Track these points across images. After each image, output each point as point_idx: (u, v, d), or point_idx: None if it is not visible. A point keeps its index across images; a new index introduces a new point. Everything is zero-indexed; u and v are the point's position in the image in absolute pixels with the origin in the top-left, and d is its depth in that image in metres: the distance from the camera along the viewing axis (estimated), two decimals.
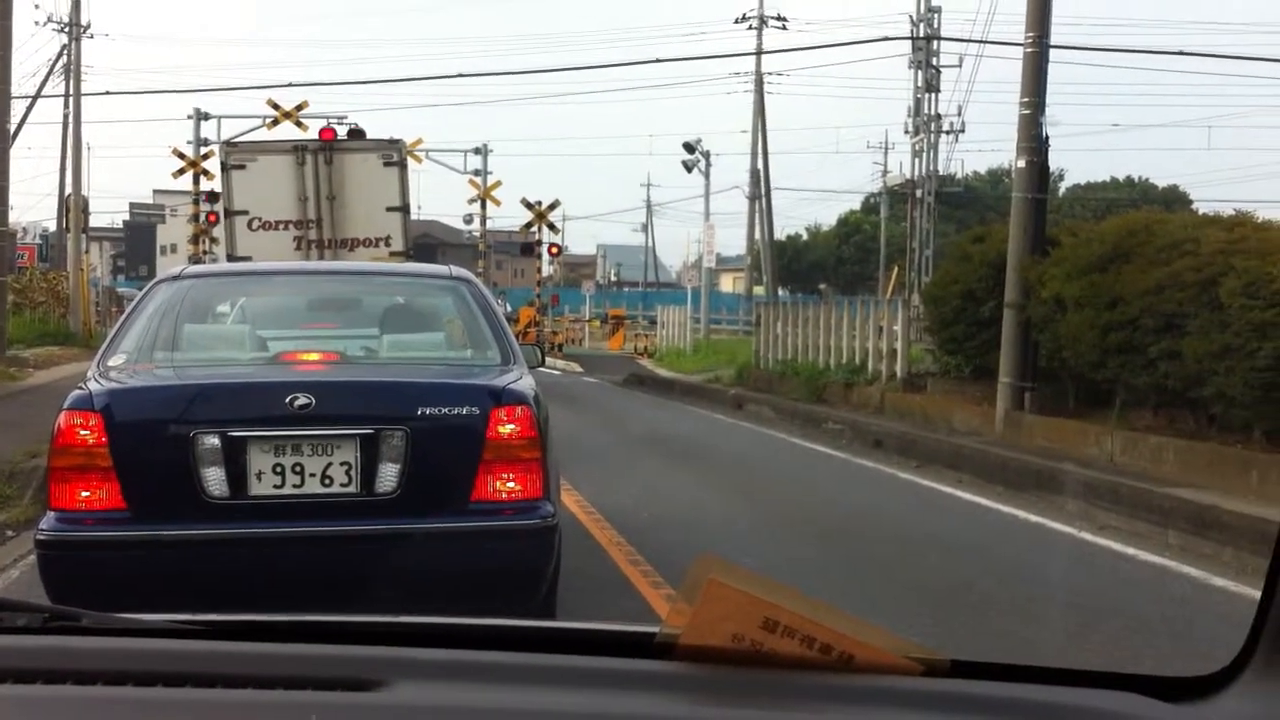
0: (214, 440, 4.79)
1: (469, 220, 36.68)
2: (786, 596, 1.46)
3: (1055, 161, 39.32)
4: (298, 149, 18.68)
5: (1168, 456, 10.94)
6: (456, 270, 6.65)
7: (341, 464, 4.87)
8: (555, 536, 5.13)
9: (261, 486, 4.83)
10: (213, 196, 25.45)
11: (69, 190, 34.79)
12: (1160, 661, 5.70)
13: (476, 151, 33.66)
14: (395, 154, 18.77)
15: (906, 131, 36.71)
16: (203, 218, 27.86)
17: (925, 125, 35.78)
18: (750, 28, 41.06)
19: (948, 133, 36.35)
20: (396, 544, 4.95)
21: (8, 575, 7.11)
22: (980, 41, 31.01)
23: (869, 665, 1.46)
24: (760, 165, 40.48)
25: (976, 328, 15.23)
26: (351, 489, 4.87)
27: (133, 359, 5.51)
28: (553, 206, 32.69)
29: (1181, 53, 33.10)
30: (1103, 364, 12.16)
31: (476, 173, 32.98)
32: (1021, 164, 14.23)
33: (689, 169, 44.50)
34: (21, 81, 36.04)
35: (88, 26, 36.33)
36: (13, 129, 23.21)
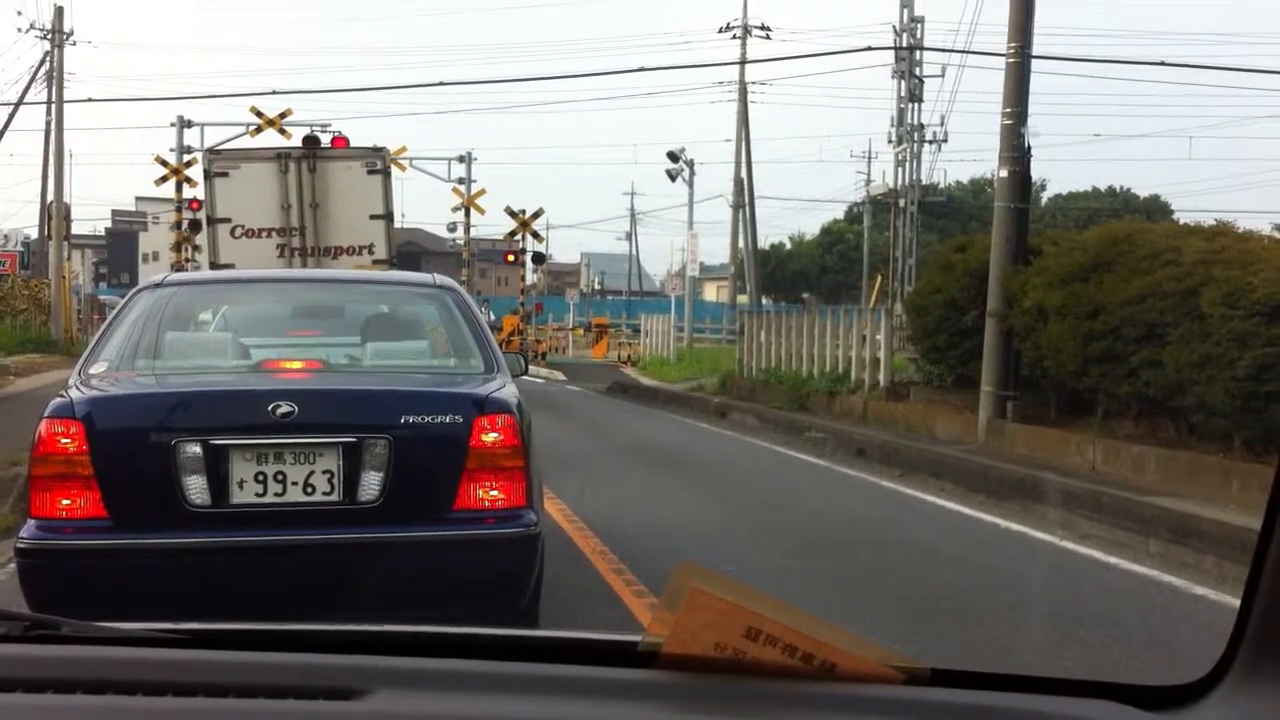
0: (196, 448, 4.77)
1: (453, 228, 36.72)
2: (768, 605, 1.47)
3: (1037, 171, 39.55)
4: (281, 156, 18.64)
5: (1149, 465, 10.98)
6: (440, 278, 6.64)
7: (324, 472, 4.85)
8: (538, 545, 5.12)
9: (243, 495, 4.81)
10: (195, 204, 25.39)
11: (51, 197, 34.71)
12: (1140, 670, 5.72)
13: (460, 159, 33.67)
14: (379, 162, 18.74)
15: (890, 141, 36.84)
16: (185, 225, 27.78)
17: (908, 135, 35.88)
18: (734, 37, 41.16)
19: (931, 142, 36.48)
20: (379, 552, 4.94)
21: None
22: (963, 52, 31.19)
23: (850, 674, 1.46)
24: (744, 174, 40.57)
25: (959, 337, 15.28)
26: (334, 497, 4.86)
27: (114, 367, 5.49)
28: (536, 215, 32.66)
29: (1163, 63, 33.28)
30: (1084, 373, 12.20)
31: (460, 181, 32.99)
32: (1004, 174, 14.29)
33: (673, 178, 44.57)
34: (3, 88, 35.96)
35: (70, 33, 36.25)
36: None
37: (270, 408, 4.84)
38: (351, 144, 19.51)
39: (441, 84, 35.54)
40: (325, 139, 19.99)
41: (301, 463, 4.84)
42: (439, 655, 1.58)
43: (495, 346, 5.96)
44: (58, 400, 4.95)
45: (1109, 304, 11.58)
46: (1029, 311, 13.08)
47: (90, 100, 39.29)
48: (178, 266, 26.61)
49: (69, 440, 4.77)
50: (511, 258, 34.15)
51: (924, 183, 36.98)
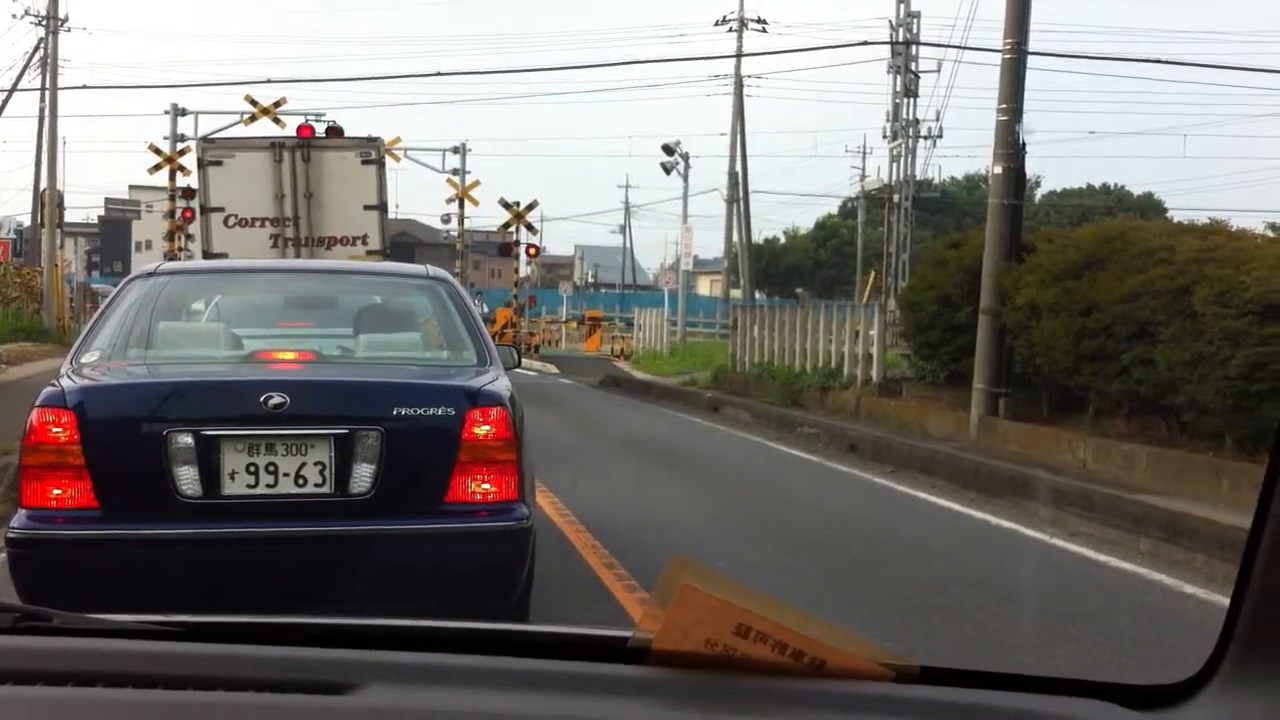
0: (187, 439, 4.77)
1: (447, 220, 36.65)
2: (759, 602, 1.47)
3: (1032, 168, 39.51)
4: (275, 146, 18.62)
5: (1140, 463, 11.00)
6: (433, 270, 6.63)
7: (315, 464, 4.85)
8: (530, 539, 5.12)
9: (235, 486, 4.80)
10: (189, 193, 25.34)
11: (44, 185, 34.60)
12: (1130, 668, 5.73)
13: (455, 151, 33.68)
14: (373, 152, 18.72)
15: (885, 136, 36.81)
16: (178, 214, 27.74)
17: (903, 130, 35.88)
18: (730, 30, 41.11)
19: (925, 138, 36.46)
20: (370, 545, 4.94)
21: None
22: (959, 47, 31.15)
23: (840, 671, 1.47)
24: (739, 168, 40.56)
25: (952, 333, 15.29)
26: (325, 489, 4.85)
27: (106, 356, 5.48)
28: (531, 207, 32.66)
29: (1159, 61, 33.44)
30: (1076, 370, 12.22)
31: (455, 172, 32.98)
32: (998, 170, 14.31)
33: (668, 171, 44.49)
34: None
35: (65, 20, 36.11)
36: None
37: (262, 399, 4.83)
38: (346, 134, 19.51)
39: (438, 74, 35.63)
40: (320, 128, 19.98)
41: (293, 454, 4.84)
42: (430, 649, 1.58)
43: (488, 339, 5.95)
44: (49, 389, 4.94)
45: (1102, 302, 11.60)
46: (1022, 308, 13.10)
47: (84, 87, 39.39)
48: (171, 255, 26.56)
49: (60, 430, 4.76)
50: (505, 249, 34.13)
51: (919, 178, 36.98)
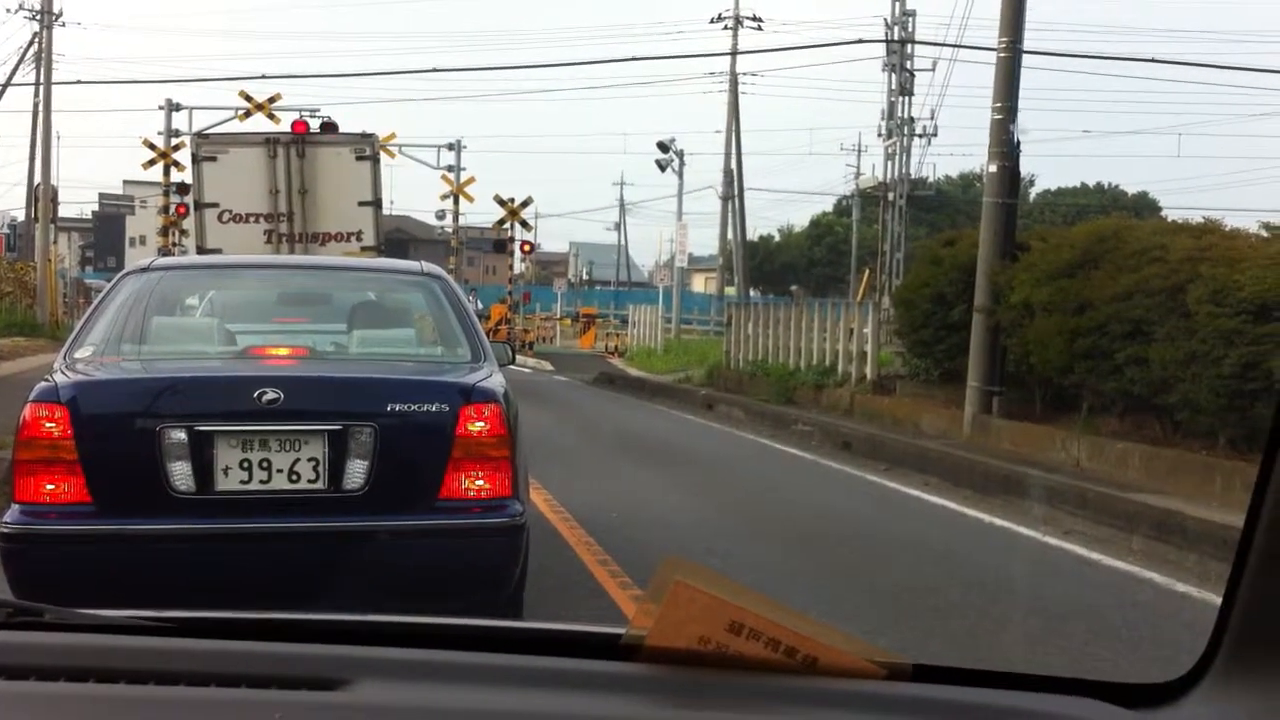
0: (181, 434, 4.76)
1: (441, 216, 36.64)
2: (752, 599, 1.47)
3: (1026, 167, 39.48)
4: (270, 142, 18.61)
5: (1133, 462, 11.01)
6: (428, 266, 6.63)
7: (309, 460, 4.85)
8: (523, 535, 5.12)
9: (228, 481, 4.80)
10: (183, 188, 25.32)
11: (38, 180, 34.52)
12: (1122, 667, 5.74)
13: (450, 147, 33.70)
14: (368, 148, 18.72)
15: (880, 134, 36.81)
16: (172, 209, 27.71)
17: (898, 128, 35.88)
18: (726, 28, 41.10)
19: (920, 136, 36.46)
20: (363, 541, 4.94)
21: None
22: (954, 46, 31.24)
23: (832, 668, 1.47)
24: (734, 165, 40.55)
25: (946, 331, 15.31)
26: (319, 485, 4.85)
27: (100, 351, 5.47)
28: (525, 203, 32.65)
29: (1153, 60, 33.45)
30: (1070, 369, 12.23)
31: (450, 168, 33.01)
32: (993, 169, 14.31)
33: (663, 168, 44.55)
34: None
35: (60, 14, 36.06)
36: None
37: (256, 394, 4.83)
38: (341, 130, 19.49)
39: (434, 70, 35.55)
40: (315, 124, 19.96)
41: (287, 450, 4.84)
42: (422, 646, 1.58)
43: (482, 335, 5.95)
44: (43, 384, 4.94)
45: (1096, 300, 11.61)
46: (1016, 307, 13.11)
47: (79, 82, 39.04)
48: (165, 251, 26.53)
49: (53, 425, 4.75)
50: (500, 246, 34.13)
51: (913, 176, 36.99)
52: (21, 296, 34.03)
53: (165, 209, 28.75)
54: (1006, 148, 14.11)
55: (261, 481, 4.82)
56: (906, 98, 35.66)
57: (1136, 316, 11.07)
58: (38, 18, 35.66)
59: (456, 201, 31.86)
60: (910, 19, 35.49)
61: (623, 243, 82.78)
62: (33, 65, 36.16)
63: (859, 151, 53.72)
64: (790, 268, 70.19)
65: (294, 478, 4.84)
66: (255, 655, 1.55)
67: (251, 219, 18.19)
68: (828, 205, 71.07)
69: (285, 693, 1.45)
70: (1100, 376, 11.76)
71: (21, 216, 46.86)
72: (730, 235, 42.00)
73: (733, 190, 40.55)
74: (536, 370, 29.17)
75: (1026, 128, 14.14)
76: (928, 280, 15.89)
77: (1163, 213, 51.76)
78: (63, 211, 40.71)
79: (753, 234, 57.31)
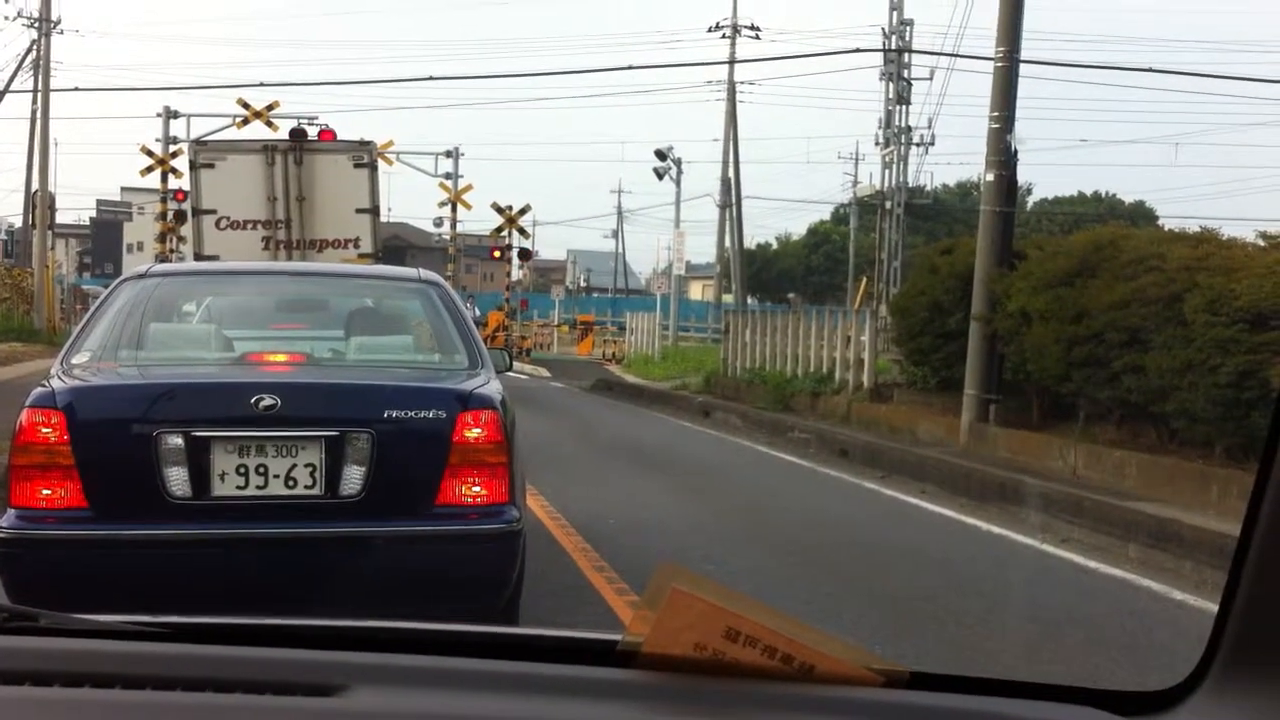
0: (177, 440, 4.76)
1: (439, 223, 36.70)
2: (749, 606, 1.47)
3: (1023, 175, 39.55)
4: (267, 149, 18.62)
5: (1130, 470, 11.02)
6: (425, 273, 6.62)
7: (306, 465, 4.84)
8: (520, 541, 5.12)
9: (225, 487, 4.80)
10: (181, 195, 25.33)
11: (35, 186, 34.53)
12: (1120, 675, 5.74)
13: (447, 154, 33.69)
14: (365, 155, 18.73)
15: (877, 143, 36.88)
16: (170, 216, 27.71)
17: (896, 137, 35.93)
18: (724, 36, 41.14)
19: (918, 145, 36.54)
20: (360, 547, 4.93)
21: None
22: (951, 55, 31.19)
23: (829, 676, 1.47)
24: (731, 173, 40.58)
25: (943, 339, 15.31)
26: (316, 491, 4.84)
27: (97, 357, 5.47)
28: (523, 211, 32.65)
29: (1150, 69, 33.31)
30: (1067, 377, 12.24)
31: (447, 176, 32.99)
32: (990, 177, 14.33)
33: (660, 176, 44.60)
34: None
35: (58, 22, 36.10)
36: None
37: (253, 400, 4.83)
38: (339, 137, 19.51)
39: (430, 78, 35.61)
40: (312, 132, 20.00)
41: (283, 456, 4.83)
42: (419, 652, 1.58)
43: (480, 342, 5.95)
44: (39, 390, 4.93)
45: (1093, 309, 11.62)
46: (1013, 315, 13.12)
47: (76, 90, 39.17)
48: (162, 257, 26.52)
49: (50, 430, 4.75)
50: (497, 253, 34.15)
51: (911, 185, 37.09)
52: (19, 302, 34.02)
53: (163, 215, 28.75)
54: (1004, 156, 14.13)
55: (258, 487, 4.81)
56: (904, 106, 35.73)
57: (1133, 325, 11.08)
58: (36, 25, 35.69)
59: (454, 209, 31.85)
60: (908, 28, 35.56)
61: (620, 250, 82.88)
62: (31, 72, 36.21)
63: (856, 160, 53.74)
64: (788, 275, 70.23)
65: (291, 483, 4.83)
66: (252, 661, 1.55)
67: (249, 226, 18.19)
68: (825, 213, 71.12)
69: (282, 698, 1.45)
70: (1097, 385, 11.77)
71: (19, 223, 46.88)
72: (728, 243, 42.03)
73: (730, 198, 40.59)
74: (534, 377, 29.17)
75: (1024, 136, 14.16)
76: (925, 288, 15.90)
77: (1159, 222, 51.80)
78: (60, 218, 40.67)
79: (750, 242, 57.39)
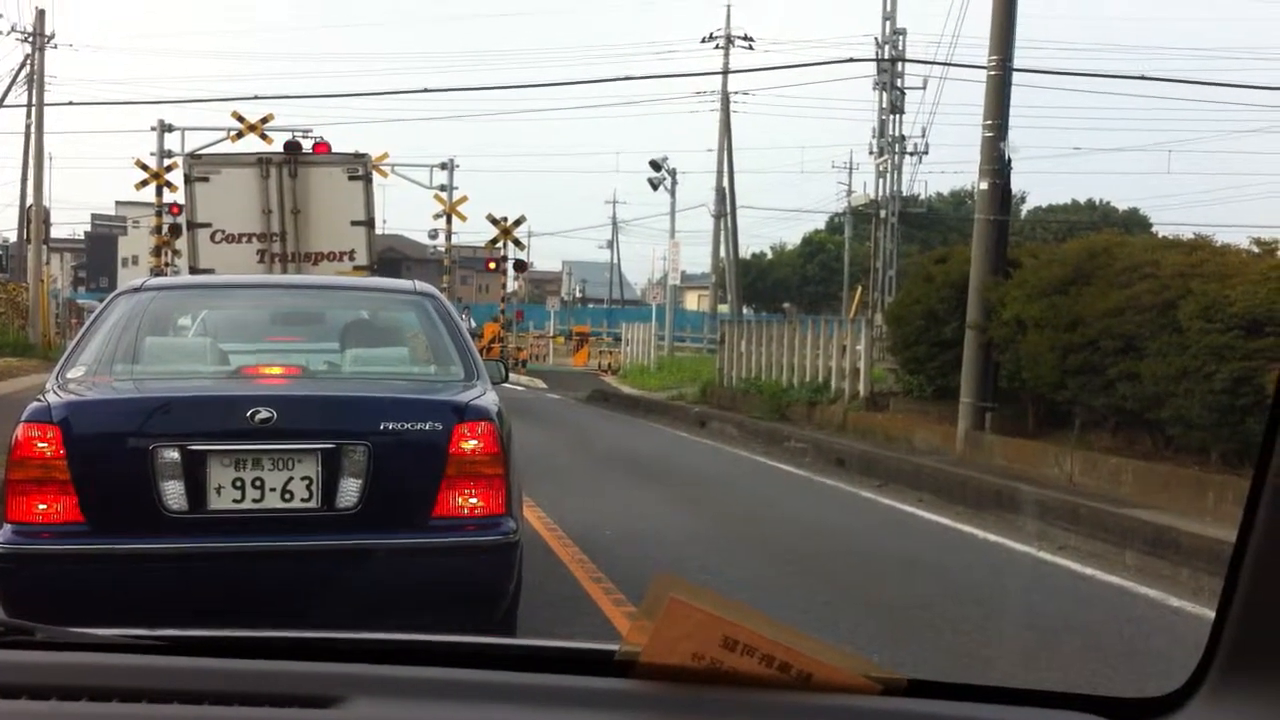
0: (173, 454, 4.75)
1: (434, 235, 36.65)
2: (746, 615, 1.47)
3: (1017, 184, 39.64)
4: (262, 162, 18.61)
5: (1126, 477, 11.02)
6: (420, 285, 6.63)
7: (302, 478, 4.84)
8: (517, 553, 5.12)
9: (221, 500, 4.79)
10: (176, 208, 25.33)
11: (30, 201, 34.51)
12: (1117, 681, 5.74)
13: (442, 166, 33.70)
14: (360, 168, 18.72)
15: (871, 152, 36.92)
16: (164, 229, 27.70)
17: (889, 146, 35.98)
18: (717, 47, 41.23)
19: (912, 154, 36.56)
20: (357, 559, 4.93)
21: None
22: (944, 64, 31.23)
23: (827, 684, 1.47)
24: (726, 184, 40.63)
25: (938, 348, 15.33)
26: (312, 504, 4.84)
27: (92, 371, 5.47)
28: (518, 222, 32.64)
29: (1143, 77, 33.47)
30: (1062, 385, 12.25)
31: (442, 188, 32.99)
32: (984, 186, 14.36)
33: (655, 187, 44.65)
34: None
35: (52, 36, 36.06)
36: None
37: (249, 413, 4.82)
38: (333, 150, 19.50)
39: (425, 90, 35.61)
40: (307, 144, 19.99)
41: (280, 469, 4.83)
42: (416, 663, 1.58)
43: (475, 354, 5.95)
44: (35, 404, 4.93)
45: (1087, 316, 11.64)
46: (1008, 323, 13.13)
47: (71, 104, 39.12)
48: (157, 271, 26.51)
49: (46, 445, 4.74)
50: (493, 265, 34.16)
51: (905, 194, 37.10)
52: (14, 317, 33.98)
53: (158, 229, 28.74)
54: (997, 165, 14.16)
55: (255, 500, 4.81)
56: (897, 115, 35.78)
57: (1128, 332, 11.09)
58: (30, 40, 35.69)
59: (449, 220, 31.82)
60: (901, 37, 35.60)
61: (615, 261, 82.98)
62: (25, 87, 36.19)
63: (851, 169, 53.90)
64: (783, 285, 70.24)
65: (287, 496, 4.83)
66: (248, 673, 1.55)
67: (244, 239, 18.18)
68: (820, 223, 71.23)
69: (278, 710, 1.45)
70: (1092, 392, 11.78)
71: (13, 237, 46.80)
72: (723, 253, 42.04)
73: (725, 208, 40.63)
74: (530, 388, 29.15)
75: (1017, 145, 14.22)
76: (920, 297, 15.92)
77: (1153, 229, 51.87)
78: (55, 232, 40.71)
79: (745, 252, 57.50)
